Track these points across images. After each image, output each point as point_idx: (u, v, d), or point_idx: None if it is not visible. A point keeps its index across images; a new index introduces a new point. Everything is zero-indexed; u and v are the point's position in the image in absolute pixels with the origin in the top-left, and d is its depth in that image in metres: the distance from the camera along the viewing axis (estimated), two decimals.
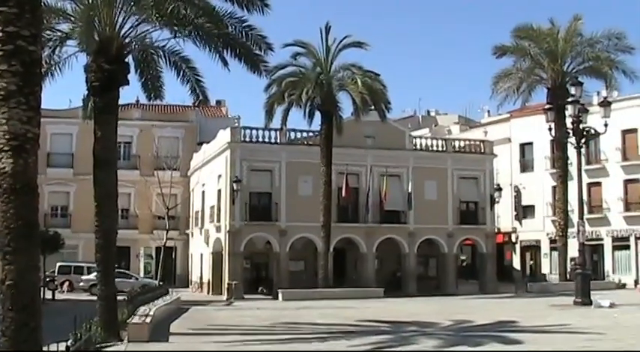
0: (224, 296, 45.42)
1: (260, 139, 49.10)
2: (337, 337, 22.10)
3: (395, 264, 52.66)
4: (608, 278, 56.44)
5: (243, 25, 24.74)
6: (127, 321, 22.14)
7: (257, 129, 49.05)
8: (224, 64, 25.35)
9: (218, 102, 74.33)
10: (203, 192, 56.73)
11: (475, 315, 28.64)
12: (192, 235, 61.65)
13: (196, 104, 31.26)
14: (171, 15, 23.31)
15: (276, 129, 48.49)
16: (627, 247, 59.40)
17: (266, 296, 46.20)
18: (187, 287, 58.88)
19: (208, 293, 51.24)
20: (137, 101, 63.53)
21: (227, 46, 25.05)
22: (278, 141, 49.32)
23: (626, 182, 60.02)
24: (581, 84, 38.43)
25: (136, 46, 25.26)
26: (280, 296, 42.78)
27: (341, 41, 45.39)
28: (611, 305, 31.96)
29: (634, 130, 59.10)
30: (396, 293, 46.24)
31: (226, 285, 46.34)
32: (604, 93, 43.88)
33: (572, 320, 25.28)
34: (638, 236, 58.77)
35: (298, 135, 50.53)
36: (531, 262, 66.02)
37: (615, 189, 60.13)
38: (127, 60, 24.24)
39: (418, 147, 53.84)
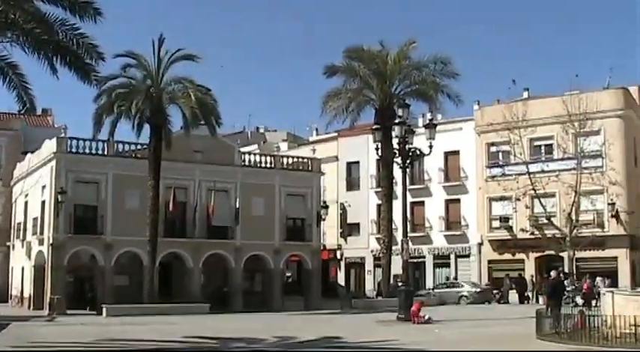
0: (46, 312, 43.90)
1: (87, 150, 47.89)
2: None
3: (221, 280, 52.37)
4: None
5: (75, 32, 24.06)
6: None
7: (84, 139, 47.83)
8: (53, 72, 24.56)
9: (44, 111, 71.90)
10: (26, 202, 54.72)
11: (301, 331, 28.66)
12: (13, 248, 59.19)
13: (22, 112, 30.16)
14: None
15: (104, 141, 47.42)
16: (448, 265, 61.51)
17: (90, 311, 44.88)
18: (7, 302, 56.62)
19: (29, 308, 49.28)
20: None
21: (57, 53, 24.27)
22: (106, 152, 48.26)
23: (448, 202, 62.19)
24: (407, 106, 39.36)
25: None
26: (104, 311, 41.67)
27: (173, 54, 44.88)
28: (429, 320, 32.82)
29: (456, 152, 61.36)
30: (222, 308, 45.90)
31: (48, 300, 44.82)
32: (429, 115, 45.28)
33: (397, 336, 25.71)
34: (458, 254, 60.92)
35: (127, 147, 49.58)
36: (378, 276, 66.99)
37: (437, 209, 62.13)
38: None
39: (247, 163, 53.90)
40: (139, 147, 48.74)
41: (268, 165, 54.46)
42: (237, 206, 50.65)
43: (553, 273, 33.58)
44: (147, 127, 44.64)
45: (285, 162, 55.90)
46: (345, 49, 52.37)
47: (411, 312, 33.42)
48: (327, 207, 57.31)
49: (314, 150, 59.35)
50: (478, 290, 54.24)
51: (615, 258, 53.79)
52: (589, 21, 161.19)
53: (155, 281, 44.84)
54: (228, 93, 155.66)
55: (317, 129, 78.87)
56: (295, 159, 57.18)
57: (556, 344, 21.19)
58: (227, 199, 51.22)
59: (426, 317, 33.18)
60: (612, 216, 54.07)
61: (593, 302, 36.45)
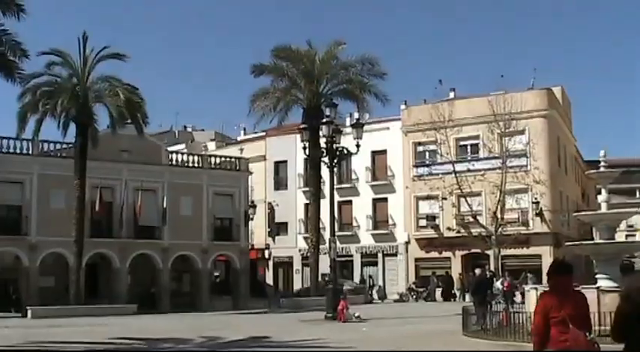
0: None
1: (11, 150, 46.91)
2: None
3: (149, 280, 51.87)
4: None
5: None
6: None
7: (8, 138, 46.79)
8: None
9: None
10: None
11: (229, 331, 28.59)
12: None
13: None
14: None
15: (28, 140, 46.50)
16: (375, 263, 61.92)
17: (15, 313, 44.04)
18: None
19: None
20: None
21: None
22: (30, 152, 47.35)
23: (375, 201, 62.55)
24: (335, 105, 39.66)
25: None
26: (30, 313, 40.93)
27: (99, 52, 44.31)
28: (359, 318, 33.07)
29: (383, 151, 61.76)
30: (150, 309, 45.46)
31: None
32: (357, 115, 45.51)
33: (325, 335, 25.79)
34: (385, 252, 61.37)
35: (52, 146, 48.72)
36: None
37: (364, 208, 62.47)
38: None
39: (174, 162, 53.49)
40: (64, 146, 47.92)
41: (196, 165, 54.13)
42: (165, 206, 50.24)
43: (478, 271, 34.04)
44: (73, 126, 43.94)
45: (212, 162, 55.59)
46: (273, 49, 52.47)
47: (338, 311, 33.66)
48: (255, 206, 57.26)
49: (242, 150, 59.22)
50: (351, 288, 54.34)
51: (539, 256, 54.63)
52: (514, 23, 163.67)
53: (81, 282, 44.17)
54: (155, 92, 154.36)
55: (245, 129, 78.75)
56: (223, 159, 56.89)
57: (482, 341, 21.48)
58: (154, 199, 50.77)
59: (355, 315, 33.41)
60: (536, 215, 54.98)
61: (517, 299, 37.01)
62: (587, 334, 8.33)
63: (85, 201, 44.15)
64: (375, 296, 56.10)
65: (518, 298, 38.50)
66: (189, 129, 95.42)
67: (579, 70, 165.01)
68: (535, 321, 8.69)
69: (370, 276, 61.09)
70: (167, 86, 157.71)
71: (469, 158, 56.71)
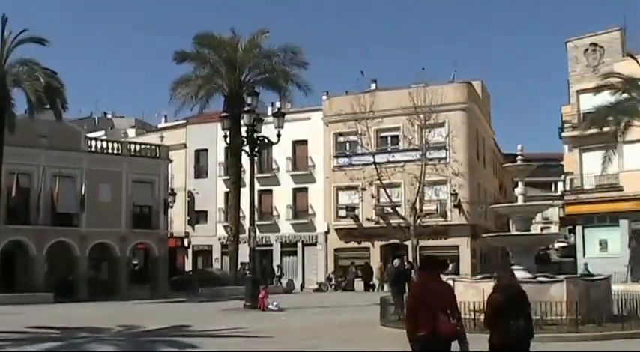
0: None
1: None
2: (4, 345, 21.10)
3: (66, 268, 51.05)
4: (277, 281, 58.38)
5: None
6: None
7: None
8: None
9: None
10: None
11: (148, 320, 28.40)
12: None
13: None
14: None
15: None
16: (295, 253, 62.12)
17: None
18: None
19: None
20: None
21: None
22: None
23: (295, 190, 62.70)
24: (257, 94, 39.58)
25: None
26: None
27: (18, 35, 43.33)
28: (278, 308, 33.25)
29: (304, 141, 61.90)
30: (67, 297, 44.76)
31: None
32: (278, 104, 45.56)
33: (244, 324, 25.84)
34: (305, 242, 61.59)
35: None
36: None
37: (285, 197, 62.58)
38: None
39: (93, 149, 52.73)
40: None
41: (115, 152, 53.44)
42: (83, 192, 49.54)
43: (397, 261, 34.39)
44: None
45: (132, 149, 54.99)
46: (196, 36, 52.16)
47: (257, 300, 33.81)
48: (174, 194, 56.94)
49: (162, 137, 58.78)
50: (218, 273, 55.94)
51: (457, 247, 55.48)
52: (437, 17, 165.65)
53: None
54: (75, 78, 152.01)
55: (166, 116, 78.14)
56: (143, 146, 56.34)
57: (399, 330, 21.72)
58: (73, 185, 50.00)
59: (274, 305, 33.57)
60: (455, 206, 55.73)
61: None
62: (452, 319, 9.43)
63: (1, 187, 43.19)
64: (285, 287, 56.16)
65: None
66: (109, 116, 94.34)
67: (499, 66, 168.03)
68: (408, 308, 9.83)
69: (279, 266, 61.19)
70: (87, 73, 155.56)
71: (389, 149, 57.18)
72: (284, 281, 58.73)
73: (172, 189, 57.22)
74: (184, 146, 67.05)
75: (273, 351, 19.36)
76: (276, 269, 60.87)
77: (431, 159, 50.08)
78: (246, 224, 42.11)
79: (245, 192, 43.04)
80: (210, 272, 58.35)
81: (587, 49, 55.07)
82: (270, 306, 33.58)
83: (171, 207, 56.06)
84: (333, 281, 57.74)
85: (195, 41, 52.19)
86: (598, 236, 53.54)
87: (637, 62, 45.83)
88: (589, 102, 49.79)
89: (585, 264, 48.57)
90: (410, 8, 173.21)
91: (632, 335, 19.96)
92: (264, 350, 19.60)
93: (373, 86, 64.38)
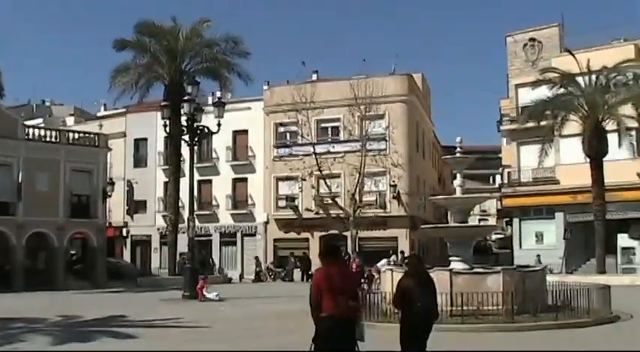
0: None
1: None
2: None
3: (2, 258, 50.27)
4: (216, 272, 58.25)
5: None
6: None
7: None
8: None
9: None
10: None
11: (85, 310, 28.15)
12: None
13: None
14: None
15: None
16: (234, 243, 62.05)
17: None
18: None
19: None
20: None
21: None
22: None
23: (235, 180, 62.58)
24: (197, 83, 39.57)
25: None
26: None
27: None
28: (219, 298, 33.26)
29: (245, 131, 61.79)
30: (2, 288, 44.12)
31: None
32: (219, 94, 45.35)
33: (182, 314, 25.81)
34: (244, 232, 61.55)
35: None
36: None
37: (224, 187, 62.43)
38: None
39: (31, 136, 51.88)
40: None
41: (53, 140, 52.65)
42: (20, 181, 48.82)
43: None
44: None
45: (71, 137, 54.18)
46: (136, 24, 51.75)
47: (196, 290, 33.78)
48: (113, 183, 56.41)
49: (101, 126, 58.20)
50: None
51: (396, 238, 55.88)
52: (380, 9, 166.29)
53: None
54: (12, 63, 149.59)
55: (105, 105, 77.32)
56: (82, 135, 55.57)
57: None
58: (9, 174, 49.17)
59: (215, 295, 33.56)
60: (394, 198, 56.09)
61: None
62: (351, 301, 10.29)
63: None
64: (224, 277, 56.08)
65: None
66: (47, 104, 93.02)
67: (439, 59, 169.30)
68: (312, 292, 10.55)
69: (210, 256, 60.98)
70: (25, 60, 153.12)
71: (329, 140, 57.39)
72: (225, 271, 58.69)
73: (111, 179, 56.69)
74: (124, 135, 66.46)
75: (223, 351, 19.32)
76: (211, 260, 60.73)
77: (371, 151, 50.47)
78: (186, 214, 42.03)
79: (184, 182, 42.96)
80: (115, 263, 58.10)
81: (526, 44, 55.94)
82: (210, 296, 33.57)
83: (110, 196, 55.49)
84: (272, 271, 57.79)
85: (135, 29, 51.75)
86: (534, 228, 54.54)
87: (574, 58, 46.71)
88: (527, 97, 50.71)
89: (538, 256, 49.33)
90: (353, 1, 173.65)
91: (566, 325, 20.38)
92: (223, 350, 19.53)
93: (314, 77, 64.50)
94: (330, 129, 58.47)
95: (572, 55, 47.61)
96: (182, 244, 46.66)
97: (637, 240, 47.35)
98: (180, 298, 34.08)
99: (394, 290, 12.09)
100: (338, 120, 56.85)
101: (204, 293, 33.98)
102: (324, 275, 10.48)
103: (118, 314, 26.31)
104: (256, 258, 59.38)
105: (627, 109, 45.51)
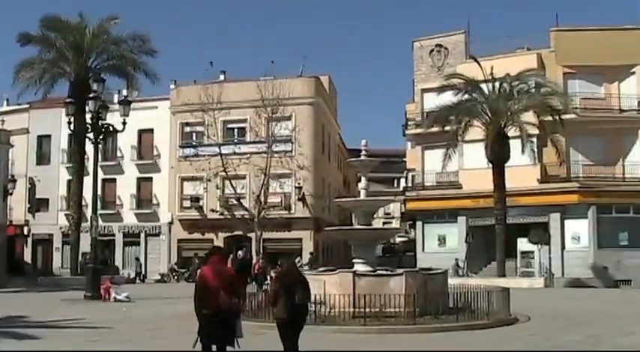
0: None
1: None
2: None
3: None
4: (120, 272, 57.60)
5: None
6: None
7: None
8: None
9: None
10: None
11: None
12: None
13: None
14: None
15: None
16: (138, 243, 61.49)
17: None
18: None
19: None
20: None
21: None
22: None
23: (140, 180, 62.06)
24: (103, 80, 39.08)
25: None
26: None
27: None
28: (129, 299, 32.96)
29: (150, 130, 61.35)
30: None
31: None
32: (125, 92, 44.95)
33: (85, 315, 25.50)
34: (148, 232, 61.07)
35: None
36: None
37: (129, 186, 61.83)
38: None
39: None
40: None
41: None
42: None
43: (241, 253, 34.66)
44: None
45: None
46: (42, 18, 50.74)
47: (102, 290, 33.45)
48: (14, 180, 55.24)
49: (3, 122, 56.82)
50: None
51: (300, 239, 56.21)
52: (287, 11, 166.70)
53: None
54: None
55: (8, 100, 75.52)
56: None
57: (243, 321, 21.93)
58: None
59: (124, 296, 33.25)
60: (299, 199, 56.41)
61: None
62: (232, 299, 11.71)
63: None
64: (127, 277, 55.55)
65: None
66: None
67: (347, 62, 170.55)
68: (197, 289, 11.88)
69: (108, 256, 60.35)
70: None
71: (236, 141, 57.39)
72: (127, 271, 58.11)
73: (12, 176, 55.51)
74: (26, 131, 65.15)
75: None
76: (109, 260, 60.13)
77: (277, 152, 50.62)
78: (89, 213, 41.46)
79: (88, 180, 42.35)
80: (20, 261, 57.23)
81: (432, 50, 56.80)
82: (120, 297, 33.24)
83: (11, 193, 54.33)
84: (176, 272, 57.46)
85: (41, 24, 50.77)
86: (437, 231, 55.42)
87: (479, 65, 47.74)
88: (433, 102, 51.56)
89: (456, 260, 50.36)
90: (262, 2, 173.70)
91: (466, 326, 20.85)
92: None
93: (222, 77, 64.33)
94: (236, 130, 58.47)
95: (477, 61, 48.61)
96: (85, 244, 45.99)
97: (536, 244, 48.50)
98: (82, 298, 33.65)
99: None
100: (244, 121, 56.90)
101: (114, 294, 33.62)
102: (209, 274, 11.87)
103: (18, 315, 25.84)
104: (137, 259, 59.29)
105: (529, 117, 46.70)
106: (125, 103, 37.62)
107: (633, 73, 51.03)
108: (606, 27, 51.80)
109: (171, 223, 60.36)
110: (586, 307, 29.81)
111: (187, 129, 59.80)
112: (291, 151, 54.81)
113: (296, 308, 12.80)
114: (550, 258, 48.54)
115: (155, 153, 61.71)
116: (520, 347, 17.84)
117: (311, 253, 52.33)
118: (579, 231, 50.17)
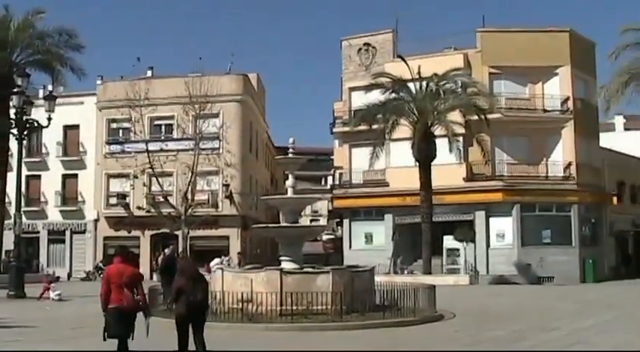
0: None
1: None
2: None
3: None
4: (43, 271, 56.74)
5: None
6: None
7: None
8: None
9: None
10: None
11: None
12: None
13: None
14: None
15: None
16: (63, 241, 60.67)
17: None
18: None
19: None
20: None
21: None
22: None
23: (65, 176, 61.25)
24: (28, 75, 38.50)
25: None
26: None
27: None
28: (60, 298, 32.54)
29: (76, 126, 60.61)
30: None
31: None
32: (50, 87, 44.26)
33: (7, 314, 25.07)
34: (73, 230, 60.31)
35: None
36: None
37: (54, 183, 60.97)
38: None
39: None
40: None
41: None
42: None
43: (167, 251, 34.39)
44: None
45: None
46: None
47: (42, 289, 33.09)
48: None
49: None
50: None
51: (227, 237, 56.13)
52: (215, 8, 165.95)
53: None
54: None
55: None
56: None
57: (167, 320, 21.77)
58: None
59: (55, 295, 32.84)
60: (226, 197, 56.34)
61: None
62: (135, 296, 12.61)
63: None
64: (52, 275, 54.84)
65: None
66: None
67: (275, 60, 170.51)
68: (103, 286, 12.83)
69: (32, 254, 59.53)
70: None
71: (163, 138, 57.04)
72: (52, 269, 57.26)
73: None
74: None
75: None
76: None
77: (204, 150, 50.37)
78: (12, 210, 40.80)
79: (12, 177, 41.64)
80: None
81: (360, 49, 57.11)
82: (51, 296, 32.80)
83: None
84: (101, 270, 56.78)
85: None
86: (364, 229, 55.78)
87: (406, 64, 48.18)
88: (360, 100, 51.85)
89: (399, 257, 50.50)
90: (192, 1, 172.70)
91: (392, 324, 21.08)
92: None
93: (149, 73, 63.82)
94: (163, 126, 58.14)
95: (405, 61, 49.05)
96: (8, 241, 45.21)
97: (461, 241, 49.19)
98: (6, 297, 33.11)
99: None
100: (172, 118, 56.56)
101: (52, 293, 33.16)
102: (114, 271, 12.76)
103: None
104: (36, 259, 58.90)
105: (455, 116, 47.27)
106: (50, 99, 37.14)
107: (557, 74, 52.14)
108: (531, 29, 52.81)
109: (97, 220, 59.74)
110: (510, 303, 30.37)
111: (114, 125, 59.27)
112: (218, 149, 54.63)
113: (197, 304, 13.27)
114: (475, 256, 49.35)
115: (81, 149, 61.01)
116: (445, 345, 18.05)
117: (239, 253, 52.20)
118: (504, 228, 51.02)
